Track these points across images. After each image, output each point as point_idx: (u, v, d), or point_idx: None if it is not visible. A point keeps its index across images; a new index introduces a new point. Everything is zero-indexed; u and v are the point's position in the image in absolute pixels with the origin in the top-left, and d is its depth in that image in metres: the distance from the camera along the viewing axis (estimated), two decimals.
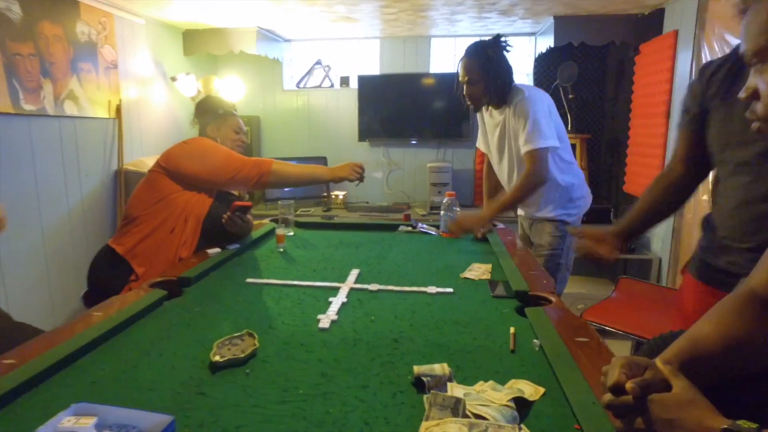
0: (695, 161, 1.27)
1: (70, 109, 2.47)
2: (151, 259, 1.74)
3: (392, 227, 2.31)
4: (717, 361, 0.67)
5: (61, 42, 2.41)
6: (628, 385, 0.58)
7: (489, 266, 1.65)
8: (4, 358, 0.94)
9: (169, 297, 1.36)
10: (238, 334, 1.08)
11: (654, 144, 2.91)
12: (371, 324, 1.18)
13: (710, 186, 1.54)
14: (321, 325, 1.17)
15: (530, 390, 0.85)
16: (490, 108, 2.14)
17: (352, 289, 1.43)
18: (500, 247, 1.85)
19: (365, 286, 1.45)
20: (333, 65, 4.31)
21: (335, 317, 1.21)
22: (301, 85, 4.33)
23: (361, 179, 2.03)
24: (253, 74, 4.18)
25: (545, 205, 2.14)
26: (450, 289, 1.42)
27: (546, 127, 1.95)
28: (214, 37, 3.63)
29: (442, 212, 2.17)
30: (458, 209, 2.15)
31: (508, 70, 2.01)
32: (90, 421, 0.73)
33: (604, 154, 3.72)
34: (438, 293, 1.40)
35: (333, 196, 4.01)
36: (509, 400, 0.78)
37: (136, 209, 1.80)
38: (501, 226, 2.28)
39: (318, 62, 4.34)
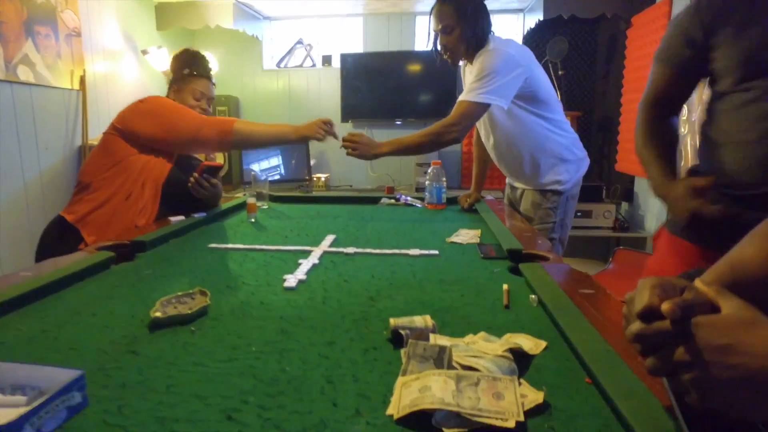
0: (673, 102, 1.24)
1: (24, 75, 2.27)
2: (103, 228, 1.56)
3: (374, 200, 2.16)
4: (763, 286, 0.53)
5: (12, 1, 2.22)
6: (665, 307, 0.44)
7: (478, 231, 1.51)
8: None
9: (119, 261, 1.20)
10: (189, 291, 0.92)
11: None
12: (344, 284, 1.04)
13: (698, 129, 1.40)
14: (287, 284, 1.02)
15: (530, 344, 0.70)
16: (467, 66, 1.96)
17: (325, 253, 1.28)
18: (489, 213, 1.72)
19: (341, 249, 1.31)
20: (315, 44, 4.15)
21: (303, 277, 1.06)
22: (282, 65, 4.16)
23: (332, 135, 1.81)
24: (232, 53, 4.00)
25: (533, 174, 1.93)
26: (435, 251, 1.28)
27: (498, 85, 1.69)
28: (189, 11, 3.44)
29: (427, 182, 2.02)
30: (444, 179, 2.01)
31: (485, 17, 1.82)
32: None
33: (595, 132, 3.61)
34: (421, 255, 1.26)
35: (315, 179, 3.85)
36: (506, 351, 0.64)
37: (89, 175, 1.63)
38: (490, 197, 2.15)
39: (299, 41, 4.17)
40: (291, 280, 1.03)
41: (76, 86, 2.64)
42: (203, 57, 1.84)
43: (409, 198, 2.14)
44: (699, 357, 0.42)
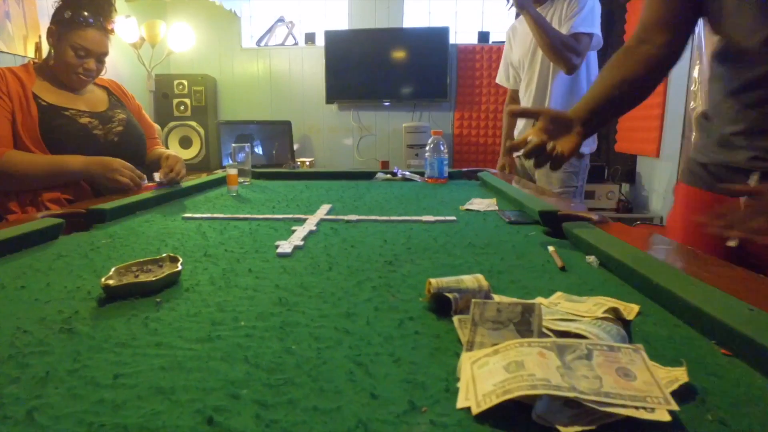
0: (680, 24, 0.94)
1: None
2: (22, 203, 1.30)
3: (368, 176, 1.96)
4: None
5: None
6: None
7: (494, 200, 1.33)
8: None
9: (69, 232, 0.97)
10: (155, 258, 0.71)
11: (652, 94, 2.66)
12: (351, 249, 0.84)
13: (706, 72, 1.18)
14: (280, 250, 0.81)
15: (621, 306, 0.52)
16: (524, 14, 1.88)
17: (322, 220, 1.08)
18: (502, 183, 1.53)
19: (340, 217, 1.10)
20: (297, 21, 3.91)
21: (300, 243, 0.86)
22: (262, 44, 3.91)
23: (136, 185, 1.37)
24: (208, 29, 3.74)
25: None
26: (452, 218, 1.09)
27: (599, 20, 1.80)
28: None
29: (427, 154, 1.83)
30: (446, 150, 1.82)
31: None
32: None
33: None
34: (437, 221, 1.07)
35: (299, 164, 3.62)
36: (604, 312, 0.45)
37: None
38: (495, 170, 1.98)
39: (280, 19, 3.93)
40: (285, 247, 0.83)
41: (31, 54, 2.36)
42: None
43: (407, 172, 1.94)
44: None
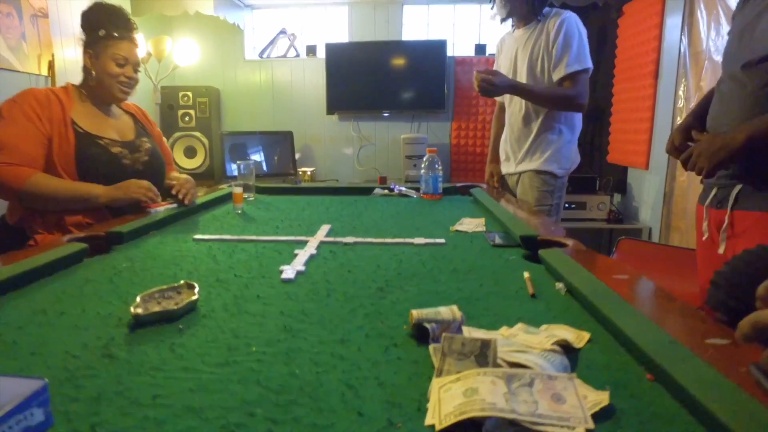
0: None
1: None
2: (46, 225, 1.41)
3: (366, 191, 2.06)
4: None
5: None
6: None
7: (482, 220, 1.42)
8: None
9: (92, 255, 1.07)
10: (174, 285, 0.81)
11: (641, 107, 2.76)
12: (348, 274, 0.93)
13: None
14: (284, 276, 0.91)
15: (572, 335, 0.62)
16: (516, 32, 1.99)
17: (322, 243, 1.18)
18: (491, 202, 1.63)
19: (339, 239, 1.20)
20: (298, 34, 4.01)
21: (302, 268, 0.96)
22: (264, 56, 4.01)
23: (154, 202, 1.49)
24: (212, 42, 3.84)
25: (536, 152, 1.96)
26: (441, 240, 1.19)
27: (587, 49, 1.85)
28: None
29: (422, 171, 1.93)
30: (440, 167, 1.92)
31: None
32: None
33: (585, 124, 3.55)
34: (427, 244, 1.16)
35: (301, 173, 3.72)
36: (553, 344, 0.55)
37: None
38: (485, 186, 2.07)
39: (282, 31, 4.02)
40: (289, 272, 0.92)
41: (45, 72, 2.47)
42: (123, 13, 1.55)
43: (403, 188, 2.04)
44: None
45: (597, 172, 3.33)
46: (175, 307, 0.72)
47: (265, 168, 3.73)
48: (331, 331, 0.67)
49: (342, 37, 3.88)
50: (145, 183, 1.45)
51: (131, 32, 1.55)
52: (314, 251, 1.09)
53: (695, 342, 0.55)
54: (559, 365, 0.52)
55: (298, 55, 3.95)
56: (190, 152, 3.65)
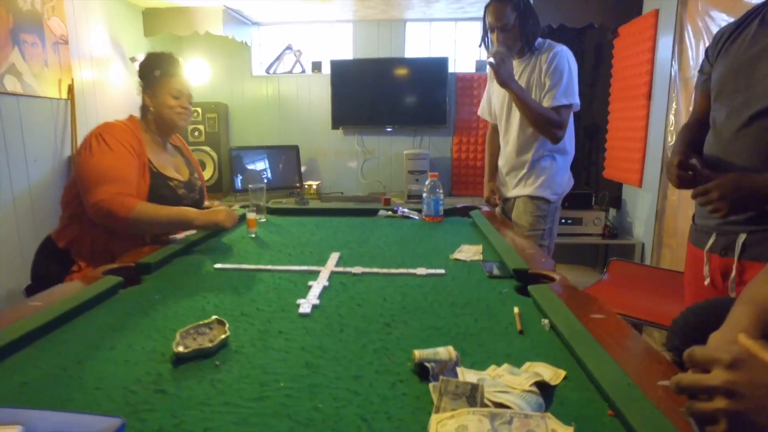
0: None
1: (11, 85, 2.22)
2: (94, 251, 1.54)
3: (371, 212, 2.17)
4: None
5: None
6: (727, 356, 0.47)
7: (479, 247, 1.54)
8: None
9: (125, 285, 1.19)
10: (206, 321, 0.93)
11: (635, 127, 2.87)
12: (358, 308, 1.05)
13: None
14: (301, 310, 1.03)
15: (549, 373, 0.73)
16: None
17: (333, 273, 1.30)
18: (489, 228, 1.74)
19: (348, 269, 1.32)
20: (304, 50, 4.13)
21: (317, 302, 1.08)
22: (271, 71, 4.14)
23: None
24: (220, 59, 3.97)
25: (530, 177, 2.07)
26: (441, 270, 1.30)
27: (576, 86, 1.96)
28: (178, 17, 3.40)
29: (424, 194, 2.05)
30: (441, 191, 2.04)
31: (535, 14, 1.98)
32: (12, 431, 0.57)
33: (582, 140, 3.67)
34: (428, 275, 1.28)
35: (306, 186, 3.84)
36: (531, 385, 0.67)
37: (68, 205, 1.60)
38: (486, 209, 2.19)
39: (288, 47, 4.15)
40: (305, 306, 1.04)
41: (64, 95, 2.60)
42: (172, 56, 1.74)
43: (406, 210, 2.16)
44: (744, 390, 0.45)
45: (593, 187, 3.44)
46: (210, 345, 0.84)
47: (271, 180, 3.85)
48: (345, 367, 0.79)
49: (346, 53, 4.01)
50: (235, 215, 1.63)
51: (182, 69, 1.74)
52: (326, 283, 1.20)
53: (649, 383, 0.66)
54: (535, 404, 0.63)
55: (304, 71, 4.08)
56: (197, 160, 3.78)
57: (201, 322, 0.92)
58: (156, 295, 1.13)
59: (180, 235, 1.61)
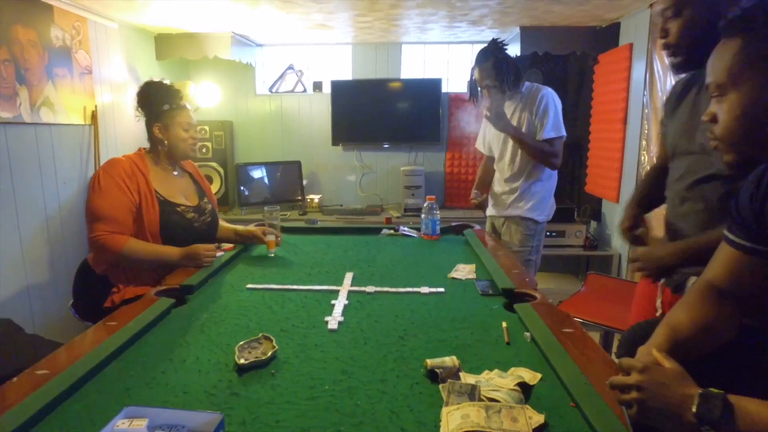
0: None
1: (46, 115, 2.43)
2: (128, 274, 1.76)
3: (375, 230, 2.41)
4: (691, 342, 0.81)
5: (36, 47, 2.37)
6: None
7: (473, 266, 1.78)
8: (36, 369, 0.98)
9: (175, 305, 1.41)
10: (255, 338, 1.15)
11: (613, 148, 3.14)
12: (376, 324, 1.28)
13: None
14: (330, 326, 1.26)
15: (529, 376, 0.97)
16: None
17: (350, 292, 1.52)
18: (480, 248, 1.99)
19: (362, 288, 1.55)
20: (305, 70, 4.36)
21: (341, 319, 1.30)
22: (274, 90, 4.36)
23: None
24: (226, 79, 4.18)
25: (521, 201, 2.35)
26: (441, 289, 1.54)
27: (561, 121, 2.29)
28: (188, 42, 3.61)
29: (422, 215, 2.28)
30: (438, 212, 2.28)
31: (515, 64, 2.30)
32: (143, 423, 0.80)
33: (566, 156, 3.93)
34: (431, 293, 1.51)
35: (309, 200, 4.07)
36: (515, 385, 0.90)
37: None
38: (478, 227, 2.43)
39: (290, 67, 4.38)
40: (332, 323, 1.27)
41: (89, 121, 2.80)
42: (176, 87, 1.86)
43: (406, 228, 2.39)
44: (647, 386, 0.69)
45: (576, 201, 3.71)
46: (264, 357, 1.06)
47: (272, 190, 4.07)
48: (373, 373, 1.02)
49: (346, 74, 4.24)
50: (210, 248, 1.76)
51: (185, 101, 1.90)
52: (346, 301, 1.43)
53: (600, 383, 0.90)
54: (518, 399, 0.87)
55: (305, 90, 4.31)
56: (207, 181, 3.99)
57: (251, 339, 1.15)
58: (204, 314, 1.36)
59: (219, 254, 1.83)
